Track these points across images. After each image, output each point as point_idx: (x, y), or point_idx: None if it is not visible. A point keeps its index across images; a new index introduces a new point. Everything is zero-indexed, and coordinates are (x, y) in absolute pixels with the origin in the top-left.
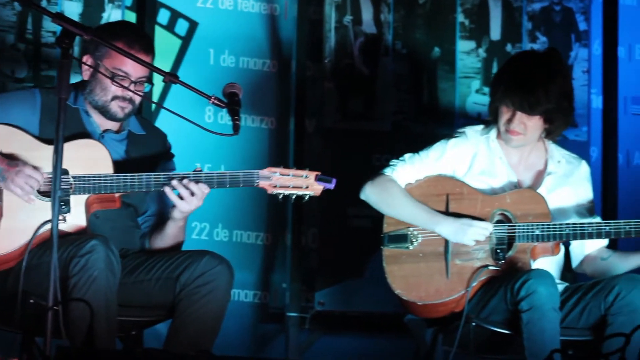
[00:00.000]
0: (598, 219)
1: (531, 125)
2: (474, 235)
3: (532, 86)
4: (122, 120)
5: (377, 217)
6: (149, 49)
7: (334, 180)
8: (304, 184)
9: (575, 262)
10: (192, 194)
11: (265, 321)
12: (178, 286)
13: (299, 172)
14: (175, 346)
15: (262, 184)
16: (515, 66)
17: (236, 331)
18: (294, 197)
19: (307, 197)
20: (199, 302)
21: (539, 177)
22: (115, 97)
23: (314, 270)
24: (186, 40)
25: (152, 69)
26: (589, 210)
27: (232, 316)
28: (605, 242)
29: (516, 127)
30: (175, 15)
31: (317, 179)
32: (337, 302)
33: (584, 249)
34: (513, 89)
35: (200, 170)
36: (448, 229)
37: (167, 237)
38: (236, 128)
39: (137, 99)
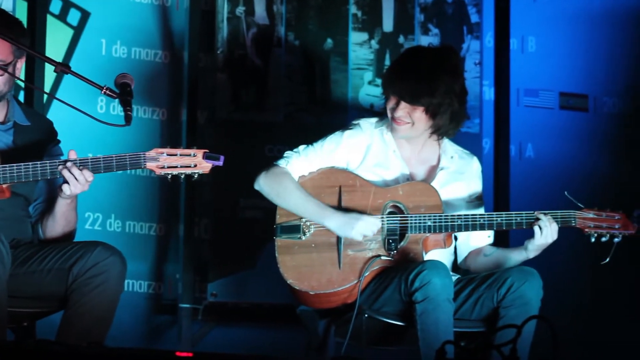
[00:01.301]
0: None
1: (416, 117)
2: (361, 230)
3: (415, 77)
4: None
5: (270, 209)
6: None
7: (221, 158)
8: (192, 162)
9: (460, 258)
10: (77, 179)
11: (159, 312)
12: (70, 277)
13: (187, 150)
14: (68, 337)
15: (150, 165)
16: (406, 57)
17: (130, 322)
18: (182, 176)
19: (196, 176)
20: (91, 293)
21: (432, 172)
22: None
23: (207, 262)
24: (78, 30)
25: (44, 58)
26: (478, 206)
27: (126, 307)
28: (490, 239)
29: (401, 116)
30: (67, 4)
31: (205, 156)
32: (230, 293)
33: (468, 245)
34: (398, 77)
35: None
36: (336, 222)
37: (58, 216)
38: (128, 119)
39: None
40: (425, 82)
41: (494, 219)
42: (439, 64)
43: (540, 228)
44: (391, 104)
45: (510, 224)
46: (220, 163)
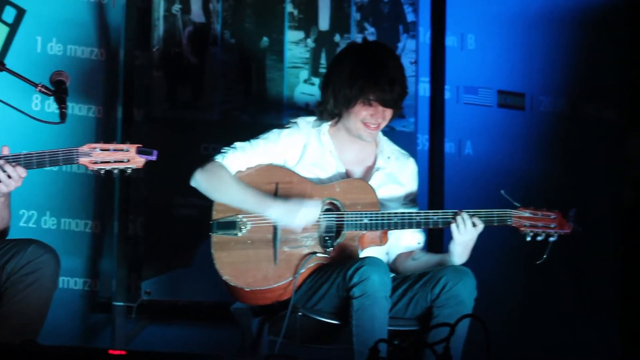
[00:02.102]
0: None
1: (388, 117)
2: (303, 217)
3: (393, 80)
4: None
5: (205, 207)
6: None
7: (155, 152)
8: (125, 157)
9: (390, 260)
10: (9, 176)
11: (95, 310)
12: (4, 275)
13: (120, 146)
14: (1, 335)
15: (83, 160)
16: (371, 60)
17: (66, 320)
18: (116, 171)
19: (129, 171)
20: (24, 291)
21: (368, 172)
22: None
23: (141, 259)
24: (13, 27)
25: None
26: (412, 207)
27: (61, 305)
28: (420, 245)
29: (378, 121)
30: (2, 2)
31: (138, 151)
32: (164, 291)
33: (398, 247)
34: (372, 83)
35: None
36: (278, 211)
37: None
38: (63, 116)
39: None
40: (399, 86)
41: (430, 217)
42: (399, 62)
43: (457, 225)
44: (367, 111)
45: (446, 222)
46: (154, 158)
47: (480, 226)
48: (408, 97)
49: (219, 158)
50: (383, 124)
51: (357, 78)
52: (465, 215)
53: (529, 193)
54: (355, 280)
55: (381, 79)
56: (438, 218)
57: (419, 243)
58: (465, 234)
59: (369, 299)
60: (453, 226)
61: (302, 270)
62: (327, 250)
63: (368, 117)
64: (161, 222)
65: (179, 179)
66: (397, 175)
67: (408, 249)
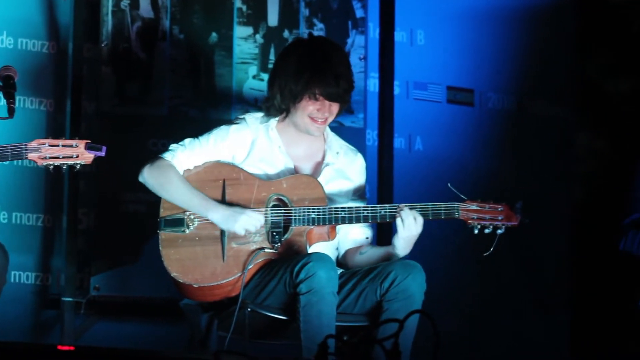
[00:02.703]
0: None
1: (334, 110)
2: (244, 224)
3: (336, 76)
4: None
5: (153, 202)
6: None
7: (104, 148)
8: (74, 153)
9: (339, 255)
10: None
11: (46, 306)
12: None
13: (69, 141)
14: None
15: (32, 156)
16: (316, 56)
17: (17, 315)
18: (65, 167)
19: (78, 167)
20: None
21: (318, 167)
22: None
23: (90, 255)
24: None
25: None
26: (359, 202)
27: (12, 300)
28: (368, 240)
29: (325, 116)
30: None
31: (87, 147)
32: (113, 287)
33: (345, 242)
34: (319, 78)
35: None
36: (220, 215)
37: None
38: (11, 112)
39: None
40: (345, 80)
41: (378, 210)
42: (345, 57)
43: (402, 220)
44: (314, 105)
45: (393, 216)
46: (103, 153)
47: (421, 218)
48: (357, 92)
49: (167, 155)
50: (330, 118)
51: (303, 73)
52: (407, 210)
53: (478, 189)
54: (301, 276)
55: (327, 74)
56: (385, 212)
57: (367, 237)
58: (409, 228)
59: (315, 295)
60: (398, 221)
61: (250, 266)
62: (275, 245)
63: (315, 111)
64: (110, 218)
65: (128, 175)
66: (345, 170)
67: (356, 243)
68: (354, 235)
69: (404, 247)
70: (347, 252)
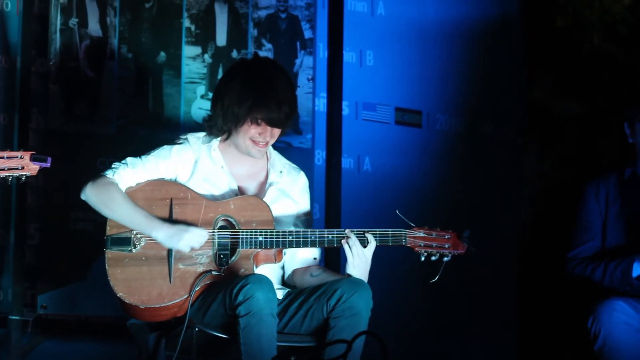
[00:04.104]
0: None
1: (276, 134)
2: (189, 242)
3: (278, 102)
4: None
5: (100, 221)
6: None
7: (49, 159)
8: (19, 164)
9: (285, 274)
10: None
11: None
12: None
13: (14, 153)
14: None
15: None
16: (260, 81)
17: None
18: (10, 179)
19: (24, 178)
20: None
21: (262, 187)
22: None
23: (37, 273)
24: None
25: None
26: (305, 222)
27: None
28: (316, 261)
29: (266, 140)
30: None
31: (32, 158)
32: (60, 305)
33: (294, 262)
34: (261, 103)
35: None
36: (164, 234)
37: None
38: None
39: None
40: (288, 106)
41: (325, 235)
42: (289, 81)
43: (349, 246)
44: (256, 129)
45: (341, 241)
46: (48, 164)
47: (373, 244)
48: (306, 113)
49: (109, 173)
50: (271, 142)
51: (246, 98)
52: (354, 238)
53: (426, 210)
54: (240, 298)
55: (270, 99)
56: (333, 237)
57: (314, 258)
58: (358, 256)
59: (254, 318)
60: (346, 250)
61: (197, 289)
62: (222, 268)
63: (256, 135)
64: (57, 236)
65: (75, 193)
66: (289, 190)
67: (304, 263)
68: (302, 255)
69: (359, 275)
70: (295, 271)
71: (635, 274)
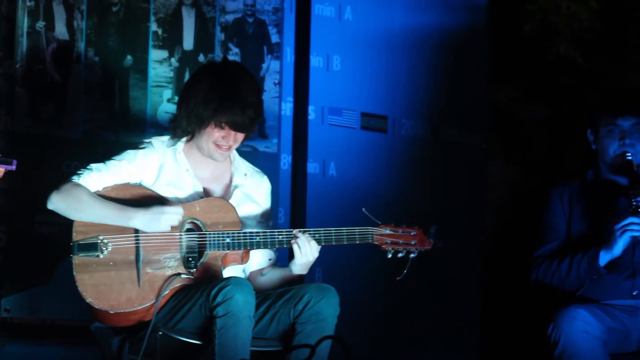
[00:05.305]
0: None
1: (240, 138)
2: (168, 221)
3: (242, 106)
4: None
5: (66, 224)
6: None
7: (14, 162)
8: None
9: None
10: None
11: None
12: None
13: None
14: None
15: None
16: (225, 85)
17: None
18: None
19: None
20: None
21: (227, 190)
22: None
23: (1, 276)
24: None
25: None
26: (267, 226)
27: None
28: (271, 262)
29: (230, 143)
30: None
31: None
32: (24, 309)
33: (251, 264)
34: (226, 108)
35: None
36: (141, 220)
37: None
38: None
39: None
40: (253, 110)
41: (292, 235)
42: (255, 85)
43: (299, 246)
44: (220, 134)
45: (318, 241)
46: (13, 167)
47: (317, 246)
48: (272, 117)
49: (75, 179)
50: (235, 146)
51: (212, 100)
52: (304, 237)
53: (392, 215)
54: (219, 299)
55: (234, 103)
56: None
57: (269, 259)
58: (305, 255)
59: (232, 319)
60: (295, 247)
61: (166, 292)
62: (191, 271)
63: (220, 138)
64: (22, 240)
65: (41, 197)
66: (252, 194)
67: (260, 265)
68: (257, 258)
69: (300, 271)
70: (251, 274)
71: (602, 262)
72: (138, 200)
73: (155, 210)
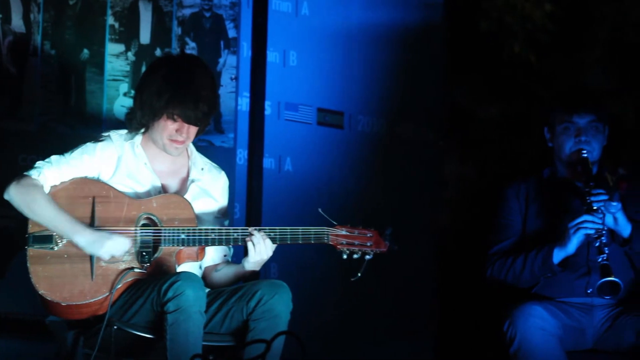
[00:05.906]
0: None
1: (193, 132)
2: (110, 249)
3: (195, 100)
4: None
5: (22, 218)
6: None
7: None
8: None
9: (201, 273)
10: None
11: None
12: None
13: None
14: None
15: None
16: (178, 78)
17: None
18: None
19: None
20: None
21: (183, 184)
22: None
23: None
24: None
25: None
26: (224, 222)
27: None
28: (227, 257)
29: (183, 137)
30: None
31: None
32: None
33: (206, 260)
34: (179, 101)
35: None
36: (85, 240)
37: None
38: None
39: None
40: (206, 104)
41: (247, 232)
42: (210, 79)
43: (253, 244)
44: (172, 126)
45: (274, 239)
46: None
47: (271, 244)
48: (228, 112)
49: (33, 173)
50: (189, 141)
51: (165, 92)
52: (259, 235)
53: (347, 211)
54: (169, 295)
55: (187, 96)
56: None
57: (224, 255)
58: (259, 253)
59: (183, 314)
60: (249, 245)
61: (119, 286)
62: (144, 265)
63: (173, 131)
64: None
65: None
66: (209, 189)
67: (214, 261)
68: (212, 254)
69: (253, 268)
70: (206, 269)
71: (555, 260)
72: (96, 197)
73: (102, 235)
